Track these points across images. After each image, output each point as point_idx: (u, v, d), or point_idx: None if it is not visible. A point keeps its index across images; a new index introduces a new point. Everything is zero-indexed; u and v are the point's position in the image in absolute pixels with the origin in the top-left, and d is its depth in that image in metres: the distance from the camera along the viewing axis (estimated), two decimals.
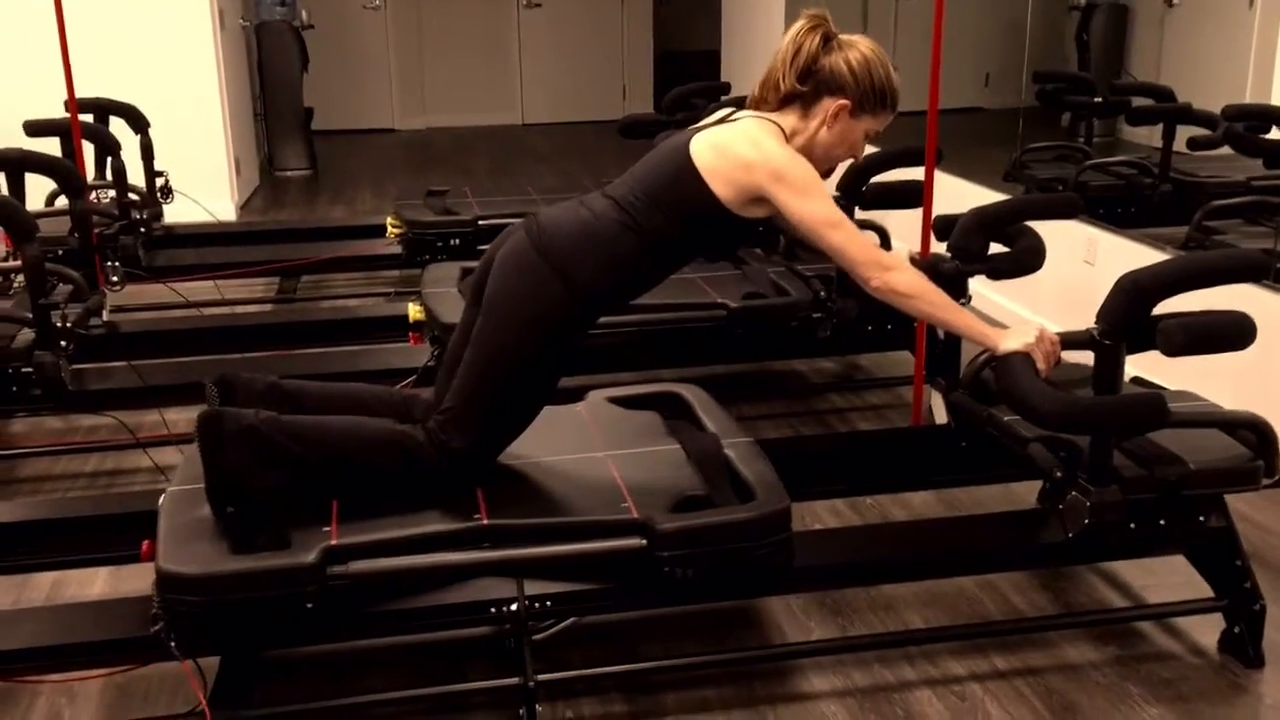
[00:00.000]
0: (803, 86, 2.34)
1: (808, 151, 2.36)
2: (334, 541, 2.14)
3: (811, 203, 2.29)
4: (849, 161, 2.52)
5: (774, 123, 2.35)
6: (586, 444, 2.59)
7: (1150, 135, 4.63)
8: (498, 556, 2.23)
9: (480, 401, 2.34)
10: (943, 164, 3.69)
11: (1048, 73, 5.17)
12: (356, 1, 9.86)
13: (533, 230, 2.36)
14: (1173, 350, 2.31)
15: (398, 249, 4.95)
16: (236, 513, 2.21)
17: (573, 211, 2.38)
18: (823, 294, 3.73)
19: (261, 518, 2.20)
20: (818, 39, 2.33)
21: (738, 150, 2.30)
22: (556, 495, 2.38)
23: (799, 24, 2.35)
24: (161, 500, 2.31)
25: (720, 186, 2.29)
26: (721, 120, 2.41)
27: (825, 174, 2.39)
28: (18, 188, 4.24)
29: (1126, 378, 2.55)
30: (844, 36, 2.36)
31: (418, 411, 2.48)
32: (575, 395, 2.84)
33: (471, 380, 2.34)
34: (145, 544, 2.20)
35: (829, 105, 2.34)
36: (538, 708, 2.25)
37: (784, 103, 2.37)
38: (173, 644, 2.09)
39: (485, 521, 2.24)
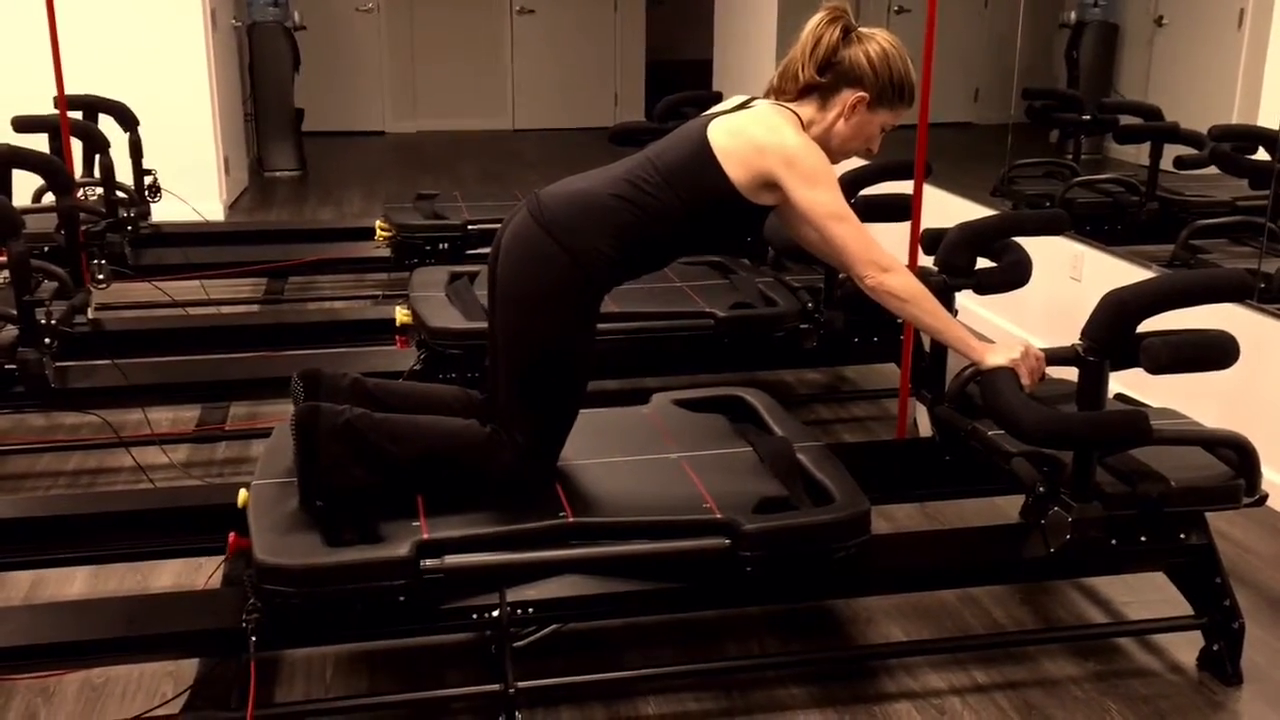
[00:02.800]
0: (821, 78, 2.35)
1: (824, 143, 2.37)
2: (425, 536, 2.17)
3: (819, 192, 2.30)
4: (839, 171, 2.53)
5: (791, 111, 2.36)
6: (659, 445, 2.63)
7: (1138, 153, 4.66)
8: (586, 554, 2.27)
9: (526, 390, 2.36)
10: (931, 178, 3.70)
11: (1037, 89, 5.20)
12: (349, 3, 9.85)
13: (534, 206, 2.37)
14: (1156, 368, 2.32)
15: (386, 252, 4.95)
16: (326, 507, 2.24)
17: (573, 183, 2.40)
18: (810, 305, 3.73)
19: (351, 512, 2.23)
20: (838, 31, 2.34)
21: (752, 133, 2.31)
22: (636, 495, 2.42)
23: (819, 15, 2.36)
24: (242, 494, 2.33)
25: (733, 169, 2.30)
26: (739, 106, 2.42)
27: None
28: (4, 183, 4.22)
29: (1110, 394, 2.56)
30: (863, 29, 2.37)
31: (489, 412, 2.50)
32: (631, 398, 2.92)
33: (511, 371, 2.37)
34: (232, 536, 2.24)
35: (847, 97, 2.35)
36: (518, 715, 2.24)
37: (802, 93, 2.38)
38: (253, 639, 2.11)
39: (571, 519, 2.27)
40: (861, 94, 2.34)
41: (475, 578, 2.22)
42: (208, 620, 2.24)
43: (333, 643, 2.44)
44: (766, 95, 2.43)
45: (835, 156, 2.40)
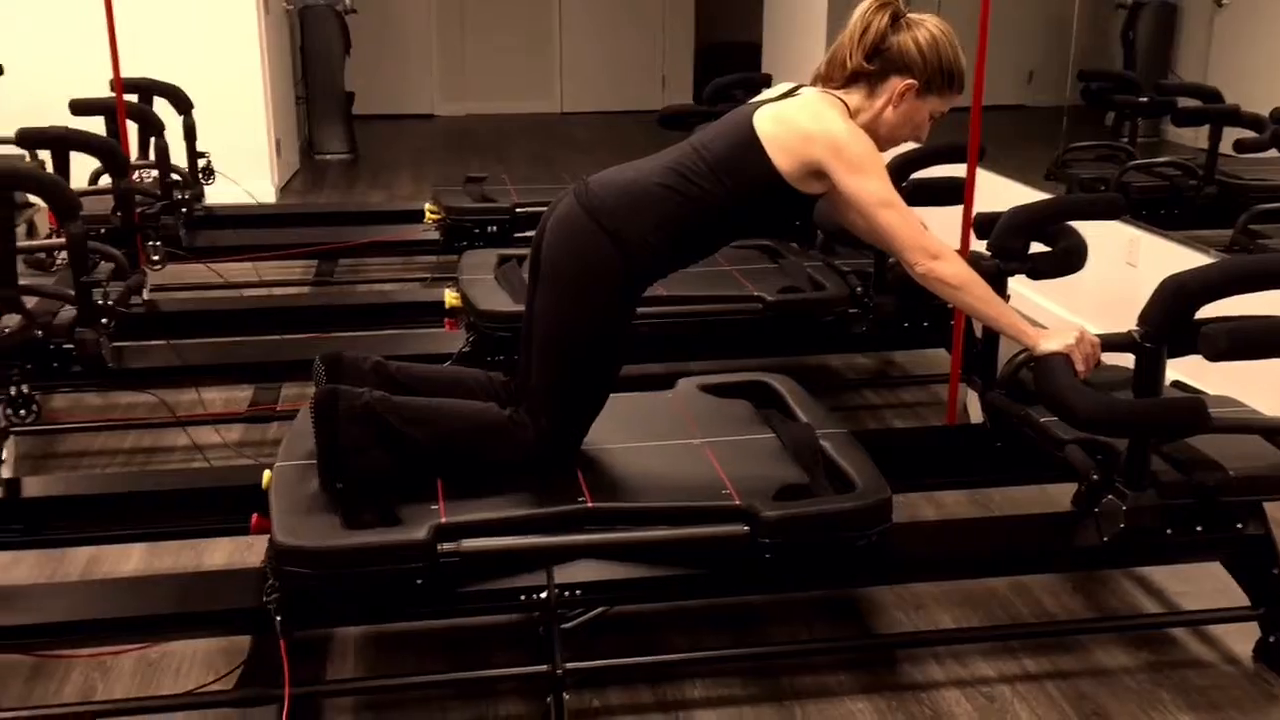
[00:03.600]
0: (870, 65, 2.32)
1: (872, 130, 2.34)
2: (443, 519, 2.18)
3: (867, 180, 2.27)
4: (889, 155, 2.50)
5: (839, 99, 2.34)
6: (682, 431, 2.61)
7: (1196, 136, 4.57)
8: (602, 539, 2.26)
9: (557, 375, 2.36)
10: (984, 161, 3.65)
11: (1093, 71, 5.12)
12: None
13: (581, 193, 2.36)
14: (1215, 355, 2.27)
15: (435, 235, 4.97)
16: (345, 489, 2.25)
17: (621, 172, 2.39)
18: (859, 289, 3.70)
19: (370, 494, 2.24)
20: (886, 17, 2.31)
21: (799, 121, 2.29)
22: (657, 480, 2.41)
23: (867, 2, 2.33)
24: (266, 475, 2.35)
25: (780, 157, 2.29)
26: (785, 95, 2.40)
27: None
28: (63, 166, 4.28)
29: (1166, 381, 2.52)
30: (912, 15, 2.34)
31: (515, 395, 2.50)
32: (657, 383, 2.89)
33: (544, 355, 2.37)
34: (255, 517, 2.26)
35: (896, 84, 2.32)
36: (565, 696, 2.25)
37: (850, 81, 2.36)
38: (278, 619, 2.12)
39: (590, 504, 2.27)
40: (910, 81, 2.31)
41: (492, 562, 2.22)
42: (258, 598, 2.26)
43: (359, 623, 2.44)
44: (814, 83, 2.41)
45: (883, 144, 2.37)
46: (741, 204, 2.34)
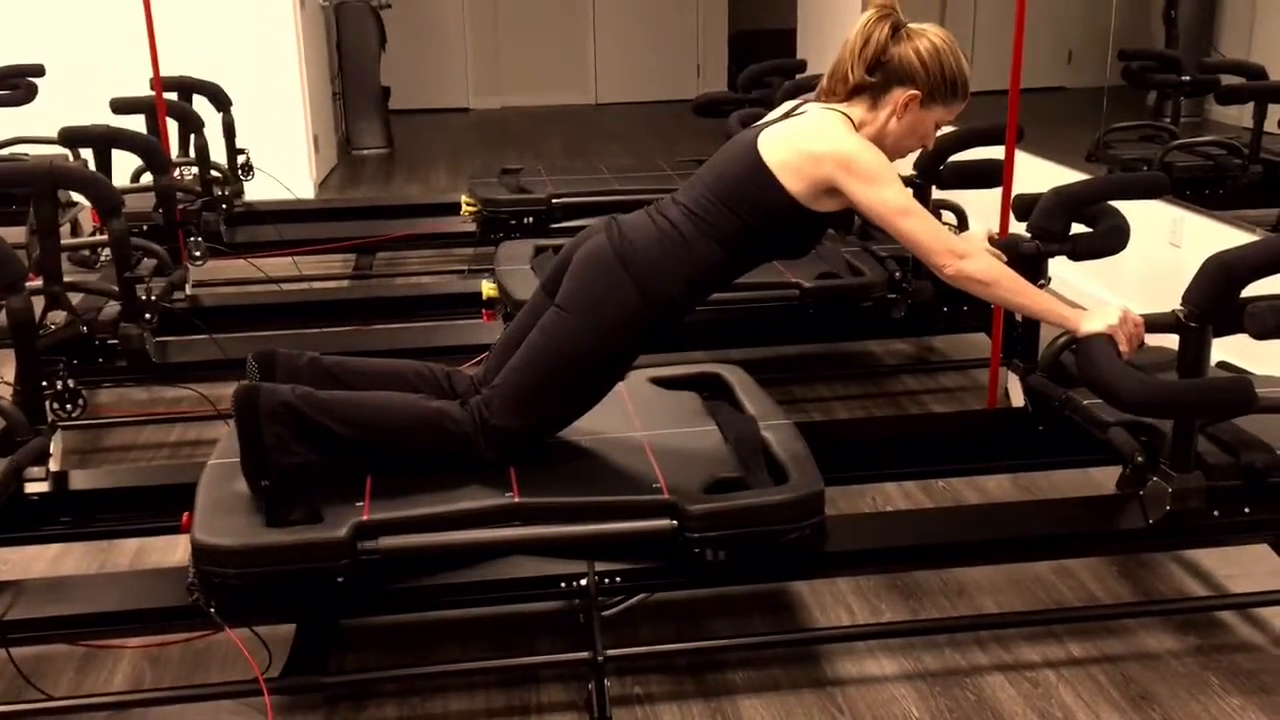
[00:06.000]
0: (871, 78, 2.30)
1: (878, 142, 2.32)
2: (365, 517, 2.16)
3: (882, 191, 2.26)
4: None
5: (842, 113, 2.32)
6: (624, 424, 2.58)
7: (1240, 115, 4.50)
8: (526, 535, 2.23)
9: (534, 389, 2.34)
10: (1023, 143, 3.61)
11: (1133, 50, 5.04)
12: None
13: (614, 235, 2.35)
14: (1262, 333, 2.24)
15: (472, 227, 4.99)
16: (272, 487, 2.23)
17: (651, 221, 2.37)
18: (898, 274, 3.68)
19: (295, 492, 2.22)
20: (886, 29, 2.29)
21: (805, 142, 2.28)
22: (589, 475, 2.38)
23: (867, 14, 2.31)
24: (202, 474, 2.35)
25: (791, 181, 2.27)
26: (787, 114, 2.38)
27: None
28: (105, 164, 4.34)
29: (1212, 361, 2.48)
30: (913, 25, 2.31)
31: (460, 388, 2.48)
32: None
33: (529, 365, 2.34)
34: (185, 516, 2.24)
35: (899, 96, 2.30)
36: (606, 682, 2.26)
37: (853, 94, 2.34)
38: (213, 611, 2.13)
39: (516, 499, 2.24)
40: (913, 92, 2.29)
41: (413, 559, 2.19)
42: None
43: (291, 621, 2.39)
44: (816, 97, 2.39)
45: (890, 155, 2.34)
46: (760, 234, 2.33)
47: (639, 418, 2.61)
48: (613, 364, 2.38)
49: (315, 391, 2.30)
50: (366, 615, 2.49)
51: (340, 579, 2.12)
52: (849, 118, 2.32)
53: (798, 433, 2.50)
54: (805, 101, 2.40)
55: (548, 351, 2.33)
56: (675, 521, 2.23)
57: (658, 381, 2.81)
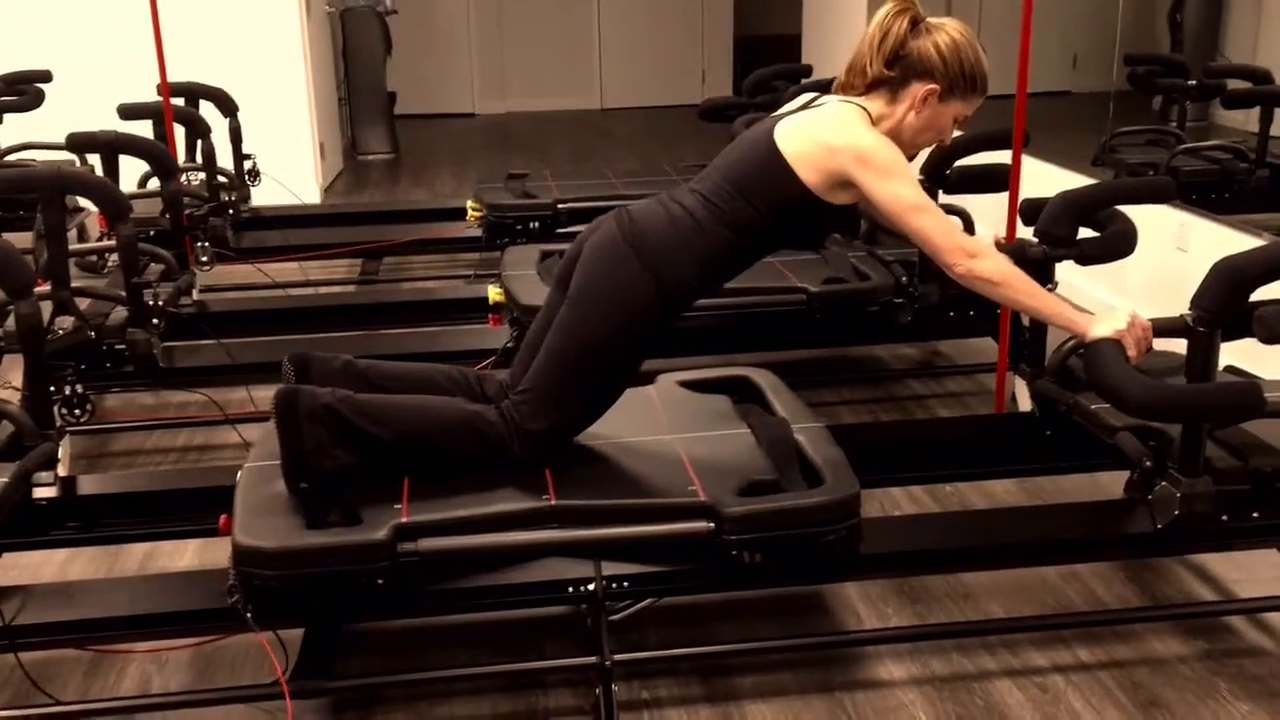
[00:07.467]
0: (890, 72, 2.31)
1: (895, 136, 2.32)
2: (404, 519, 2.17)
3: (896, 186, 2.26)
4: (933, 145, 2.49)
5: (860, 106, 2.32)
6: (655, 427, 2.59)
7: (1246, 119, 4.49)
8: (564, 537, 2.24)
9: (560, 388, 2.35)
10: (1030, 148, 3.61)
11: (1139, 55, 5.05)
12: None
13: (624, 223, 2.36)
14: (1271, 338, 2.24)
15: (478, 231, 4.99)
16: (310, 489, 2.25)
17: (663, 207, 2.38)
18: (904, 279, 3.68)
19: (334, 494, 2.23)
20: (905, 22, 2.29)
21: (822, 134, 2.28)
22: (624, 477, 2.39)
23: (886, 8, 2.31)
24: (239, 475, 2.35)
25: (806, 172, 2.27)
26: (805, 106, 2.39)
27: (910, 158, 2.36)
28: (112, 170, 4.35)
29: (1220, 366, 2.48)
30: (932, 20, 2.32)
31: (491, 391, 2.50)
32: (644, 379, 2.82)
33: (553, 366, 2.35)
34: (223, 518, 2.25)
35: (917, 90, 2.30)
36: (614, 687, 2.26)
37: (871, 87, 2.34)
38: (249, 615, 2.13)
39: (553, 502, 2.25)
40: (932, 86, 2.29)
41: (454, 561, 2.20)
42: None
43: (332, 623, 2.41)
44: (835, 91, 2.39)
45: (907, 149, 2.34)
46: (774, 223, 2.33)
47: (670, 421, 2.62)
48: (630, 350, 2.38)
49: (354, 395, 2.32)
50: (402, 618, 2.50)
51: (380, 581, 2.13)
52: (867, 111, 2.32)
53: (830, 435, 2.51)
54: (822, 95, 2.40)
55: (567, 351, 2.34)
56: (712, 524, 2.23)
57: (687, 385, 2.82)
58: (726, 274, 2.40)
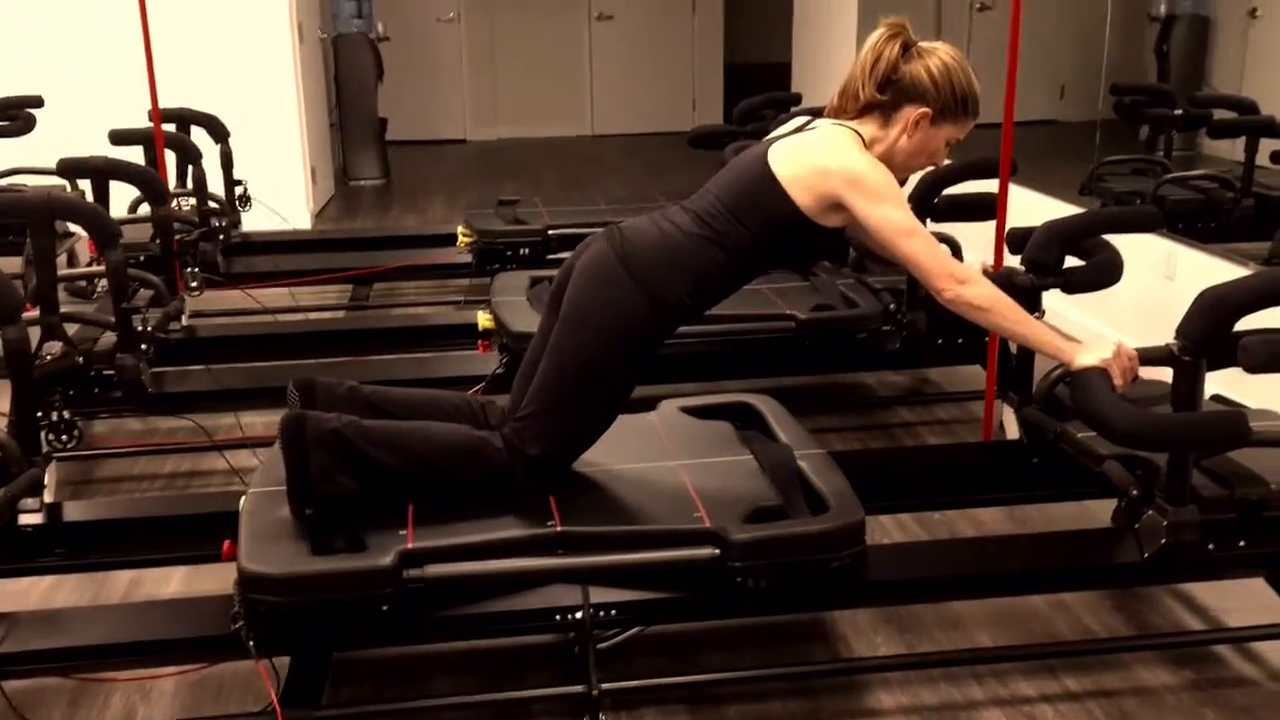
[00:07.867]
0: (882, 96, 2.33)
1: (887, 160, 2.34)
2: (410, 545, 2.17)
3: (887, 210, 2.27)
4: (921, 173, 2.50)
5: (853, 130, 2.34)
6: (659, 453, 2.59)
7: (1232, 149, 4.53)
8: (571, 564, 2.25)
9: (556, 409, 2.36)
10: (1016, 177, 3.64)
11: (1126, 85, 5.09)
12: (431, 13, 9.99)
13: (615, 241, 2.37)
14: (1255, 366, 2.25)
15: (468, 258, 5.00)
16: (315, 515, 2.25)
17: (655, 224, 2.39)
18: (892, 307, 3.70)
19: (339, 520, 2.23)
20: (897, 47, 2.31)
21: (815, 157, 2.30)
22: (629, 504, 2.39)
23: (878, 32, 2.34)
24: (243, 501, 2.35)
25: (799, 194, 2.29)
26: (799, 129, 2.40)
27: (901, 182, 2.38)
28: (103, 195, 4.35)
29: (1206, 395, 2.49)
30: (924, 44, 2.34)
31: (493, 418, 2.50)
32: (643, 405, 2.84)
33: (548, 388, 2.36)
34: (226, 544, 2.25)
35: (909, 114, 2.32)
36: (601, 716, 2.25)
37: (863, 111, 2.36)
38: (251, 643, 2.12)
39: (559, 528, 2.25)
40: (924, 110, 2.31)
41: (459, 587, 2.20)
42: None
43: (336, 649, 2.41)
44: (827, 115, 2.42)
45: (899, 173, 2.36)
46: (765, 244, 2.35)
47: (674, 447, 2.62)
48: (625, 367, 2.38)
49: (360, 420, 2.32)
50: (405, 644, 2.48)
51: (385, 607, 2.12)
52: (860, 135, 2.34)
53: (833, 462, 2.52)
54: (815, 118, 2.42)
55: (563, 370, 2.35)
56: (718, 550, 2.23)
57: (690, 411, 2.82)
58: (718, 293, 2.41)
